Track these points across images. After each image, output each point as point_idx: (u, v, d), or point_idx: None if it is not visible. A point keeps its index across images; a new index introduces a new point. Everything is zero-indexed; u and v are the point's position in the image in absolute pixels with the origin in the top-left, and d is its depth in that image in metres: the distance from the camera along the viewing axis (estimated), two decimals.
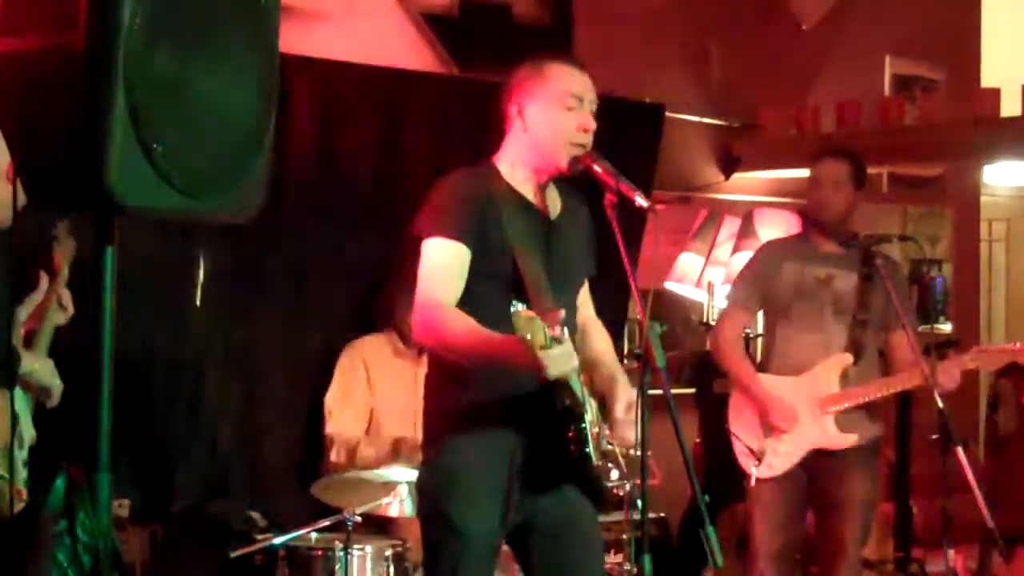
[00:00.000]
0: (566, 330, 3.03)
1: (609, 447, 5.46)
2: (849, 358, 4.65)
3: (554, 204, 3.42)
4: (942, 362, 4.52)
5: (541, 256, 3.28)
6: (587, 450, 3.18)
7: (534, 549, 3.38)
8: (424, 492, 3.39)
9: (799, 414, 4.65)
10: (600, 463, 3.26)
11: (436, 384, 3.36)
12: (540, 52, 3.44)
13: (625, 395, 3.30)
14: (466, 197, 3.27)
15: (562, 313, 3.01)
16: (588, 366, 3.36)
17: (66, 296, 4.08)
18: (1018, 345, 4.58)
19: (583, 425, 3.17)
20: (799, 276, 4.73)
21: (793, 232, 6.21)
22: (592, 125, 3.31)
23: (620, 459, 5.19)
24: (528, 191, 3.36)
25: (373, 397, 5.11)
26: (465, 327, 3.15)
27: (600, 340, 3.56)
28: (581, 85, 3.32)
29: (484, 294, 3.22)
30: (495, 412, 3.24)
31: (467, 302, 3.22)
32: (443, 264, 3.22)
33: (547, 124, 3.29)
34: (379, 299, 5.26)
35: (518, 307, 2.88)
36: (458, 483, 3.26)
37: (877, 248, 4.63)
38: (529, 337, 2.85)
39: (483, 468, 3.24)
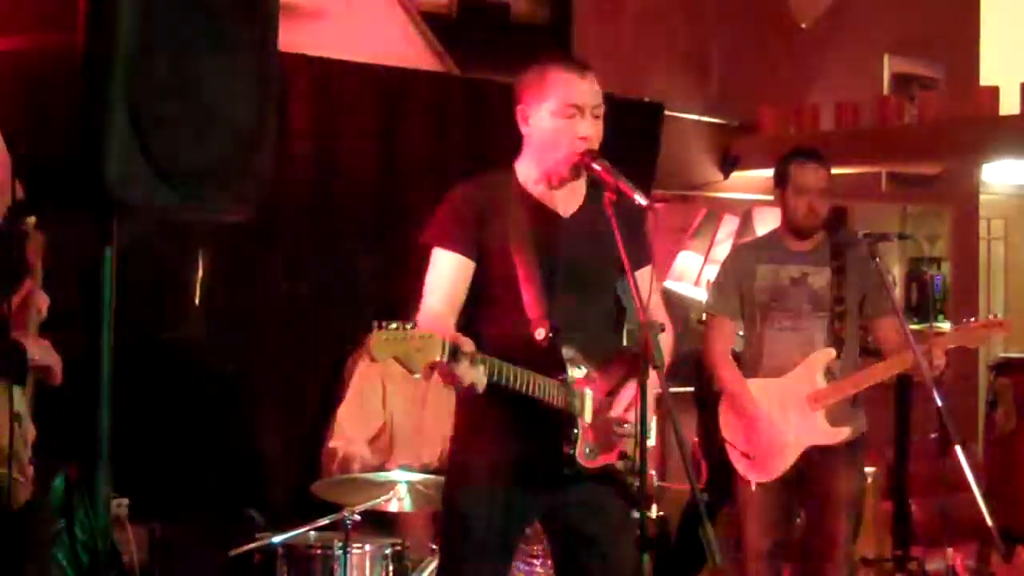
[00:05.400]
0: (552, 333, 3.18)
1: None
2: (832, 352, 4.64)
3: (573, 202, 3.40)
4: (925, 346, 4.49)
5: (548, 254, 3.30)
6: (571, 452, 3.25)
7: (559, 547, 3.47)
8: (443, 491, 3.53)
9: (789, 415, 4.65)
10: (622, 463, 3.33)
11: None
12: (545, 56, 3.41)
13: (626, 396, 3.33)
14: (467, 205, 3.34)
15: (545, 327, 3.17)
16: None
17: (42, 298, 3.98)
18: (996, 317, 4.56)
19: (575, 430, 3.26)
20: (774, 277, 4.73)
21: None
22: (590, 133, 3.28)
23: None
24: (541, 190, 3.38)
25: (386, 413, 5.09)
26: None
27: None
28: (581, 95, 3.29)
29: (495, 297, 3.31)
30: (496, 417, 3.31)
31: (485, 306, 3.33)
32: (437, 274, 3.33)
33: (547, 132, 3.31)
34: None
35: (387, 328, 2.88)
36: (464, 477, 3.38)
37: (844, 239, 4.62)
38: (421, 356, 2.90)
39: (487, 466, 3.32)
